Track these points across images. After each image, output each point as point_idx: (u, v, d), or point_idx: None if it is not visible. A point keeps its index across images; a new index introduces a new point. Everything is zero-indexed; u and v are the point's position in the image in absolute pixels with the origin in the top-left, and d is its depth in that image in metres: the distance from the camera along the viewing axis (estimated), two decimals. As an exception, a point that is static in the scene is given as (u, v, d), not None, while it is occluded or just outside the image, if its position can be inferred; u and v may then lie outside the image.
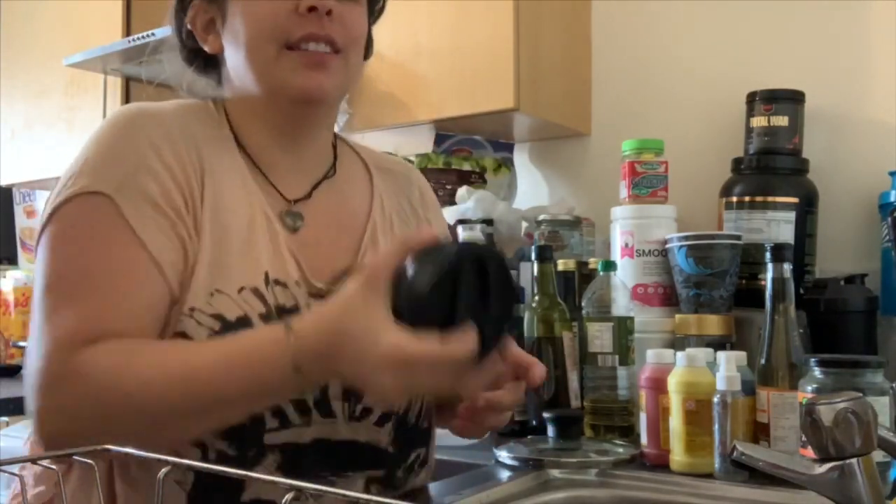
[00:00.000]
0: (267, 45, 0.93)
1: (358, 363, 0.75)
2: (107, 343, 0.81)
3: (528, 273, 1.64)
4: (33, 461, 0.62)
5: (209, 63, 1.03)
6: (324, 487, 0.51)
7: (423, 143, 2.00)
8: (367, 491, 0.94)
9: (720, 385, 1.17)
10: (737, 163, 1.63)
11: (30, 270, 3.10)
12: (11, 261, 3.25)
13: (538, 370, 0.88)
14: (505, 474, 1.21)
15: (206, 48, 1.00)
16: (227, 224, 0.92)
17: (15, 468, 0.56)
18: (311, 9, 0.91)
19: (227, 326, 0.88)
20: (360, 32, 0.99)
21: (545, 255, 1.50)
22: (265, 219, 0.95)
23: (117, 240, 0.86)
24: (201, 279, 0.89)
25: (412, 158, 2.01)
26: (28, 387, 0.83)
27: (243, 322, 0.89)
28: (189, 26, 1.01)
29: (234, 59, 0.97)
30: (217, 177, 0.93)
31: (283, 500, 0.50)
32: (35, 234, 0.91)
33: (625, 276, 1.53)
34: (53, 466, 0.59)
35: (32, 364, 0.82)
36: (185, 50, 1.04)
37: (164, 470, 0.57)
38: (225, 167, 0.95)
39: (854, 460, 0.66)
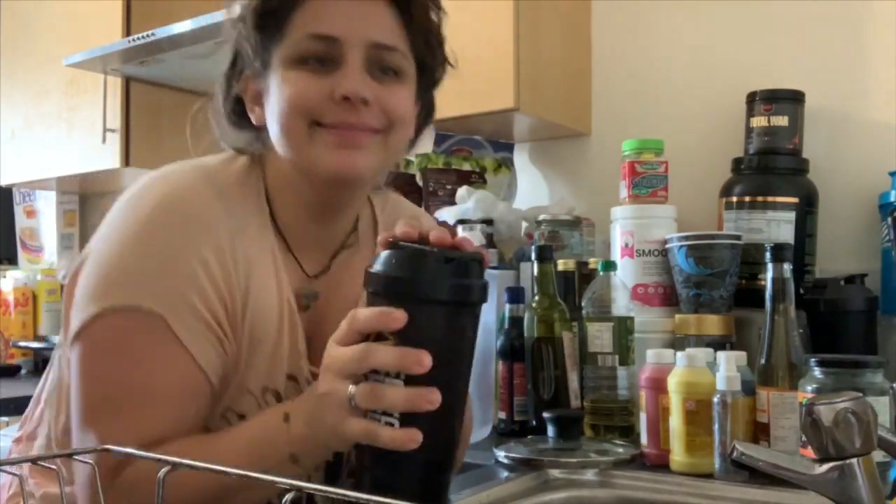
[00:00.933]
0: (299, 121, 0.90)
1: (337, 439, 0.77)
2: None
3: (528, 273, 1.65)
4: (33, 461, 0.62)
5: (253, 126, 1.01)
6: (324, 487, 0.51)
7: (423, 142, 2.00)
8: None
9: (720, 385, 1.17)
10: (737, 163, 1.63)
11: (29, 270, 3.10)
12: (11, 261, 3.25)
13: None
14: (505, 474, 1.21)
15: (252, 119, 0.98)
16: (263, 328, 0.93)
17: (15, 468, 0.56)
18: (345, 98, 0.88)
19: None
20: (404, 112, 0.93)
21: (545, 255, 1.50)
22: (289, 309, 0.95)
23: (174, 358, 0.86)
24: (236, 381, 0.92)
25: (412, 158, 2.01)
26: (80, 486, 0.84)
27: None
28: (240, 94, 0.98)
29: (272, 133, 0.94)
30: (255, 271, 0.92)
31: (284, 500, 0.50)
32: (66, 313, 0.90)
33: (625, 276, 1.53)
34: (53, 466, 0.59)
35: (85, 468, 0.82)
36: (233, 114, 1.00)
37: (164, 470, 0.57)
38: (260, 251, 0.94)
39: (854, 460, 0.66)
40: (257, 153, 0.99)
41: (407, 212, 1.14)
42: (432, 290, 0.72)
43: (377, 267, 0.74)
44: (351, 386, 0.73)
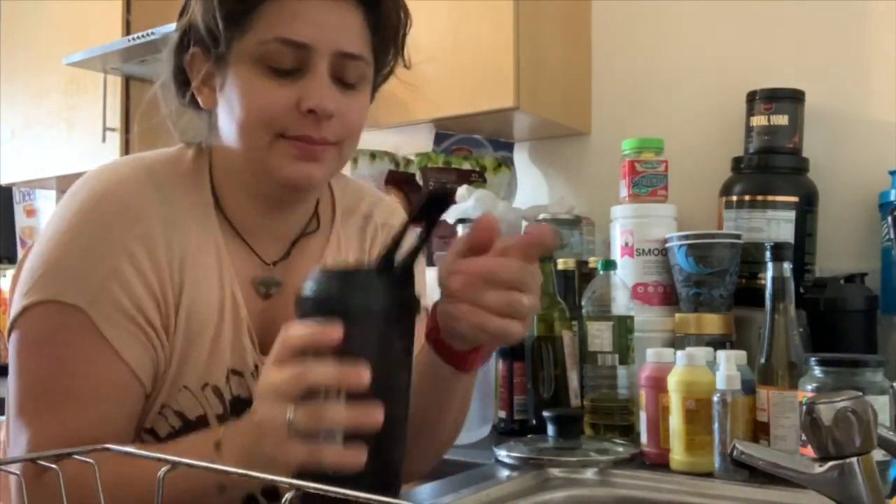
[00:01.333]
0: (261, 131, 0.88)
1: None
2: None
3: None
4: (33, 460, 0.61)
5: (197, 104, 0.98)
6: (324, 486, 0.51)
7: (423, 142, 2.01)
8: None
9: (720, 384, 1.17)
10: (737, 162, 1.63)
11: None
12: (11, 260, 3.25)
13: (541, 231, 0.83)
14: (505, 473, 1.21)
15: (199, 98, 0.95)
16: (200, 322, 0.91)
17: (15, 468, 0.56)
18: (311, 111, 0.87)
19: (188, 425, 0.90)
20: (360, 124, 0.94)
21: (545, 255, 1.50)
22: (233, 303, 0.93)
23: (96, 353, 0.85)
24: (171, 377, 0.90)
25: (412, 157, 2.01)
26: (13, 487, 0.84)
27: (202, 421, 0.91)
28: (186, 68, 0.96)
29: (226, 128, 0.93)
30: (192, 263, 0.91)
31: (284, 500, 0.50)
32: (27, 246, 0.91)
33: (625, 275, 1.53)
34: (53, 466, 0.59)
35: (13, 468, 0.79)
36: (178, 84, 0.99)
37: (163, 469, 0.57)
38: (201, 243, 0.92)
39: (854, 459, 0.66)
40: (204, 144, 0.98)
41: (368, 197, 1.12)
42: (363, 302, 0.70)
43: (305, 293, 0.72)
44: (289, 409, 0.68)
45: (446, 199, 0.74)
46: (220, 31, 0.89)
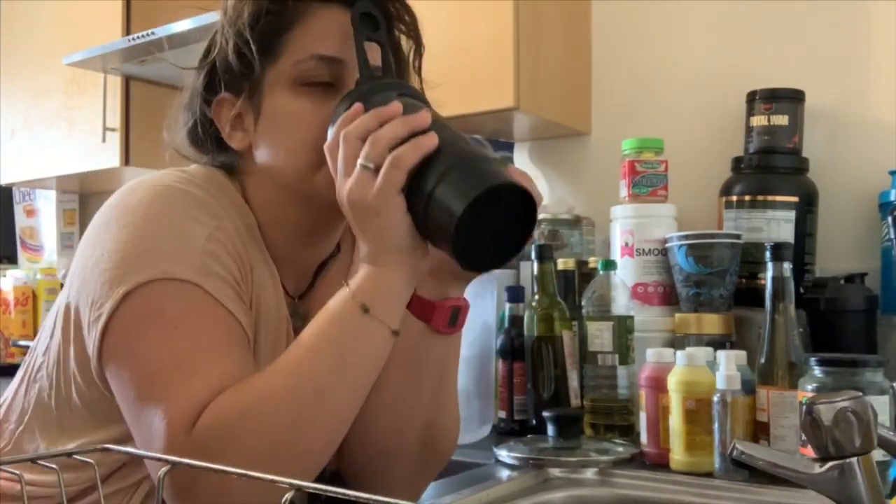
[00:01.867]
0: (309, 151, 0.89)
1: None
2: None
3: (528, 272, 1.65)
4: (33, 460, 0.61)
5: (219, 148, 0.98)
6: (323, 486, 0.52)
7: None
8: None
9: (720, 384, 1.17)
10: (737, 162, 1.63)
11: (29, 269, 3.10)
12: (11, 260, 3.26)
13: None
14: (505, 473, 1.21)
15: (231, 144, 0.95)
16: (261, 324, 0.92)
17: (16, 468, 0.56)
18: None
19: None
20: None
21: (545, 255, 1.51)
22: (287, 321, 0.95)
23: (213, 318, 0.85)
24: None
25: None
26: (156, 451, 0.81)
27: None
28: (212, 116, 0.95)
29: (268, 157, 0.93)
30: (257, 271, 0.92)
31: (284, 500, 0.50)
32: (95, 306, 0.87)
33: (625, 275, 1.53)
34: (54, 465, 0.59)
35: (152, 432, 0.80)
36: (199, 136, 0.98)
37: (163, 469, 0.57)
38: (258, 254, 0.93)
39: (854, 459, 0.66)
40: (230, 168, 0.97)
41: None
42: None
43: None
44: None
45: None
46: (255, 58, 0.89)
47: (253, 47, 0.89)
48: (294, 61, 0.90)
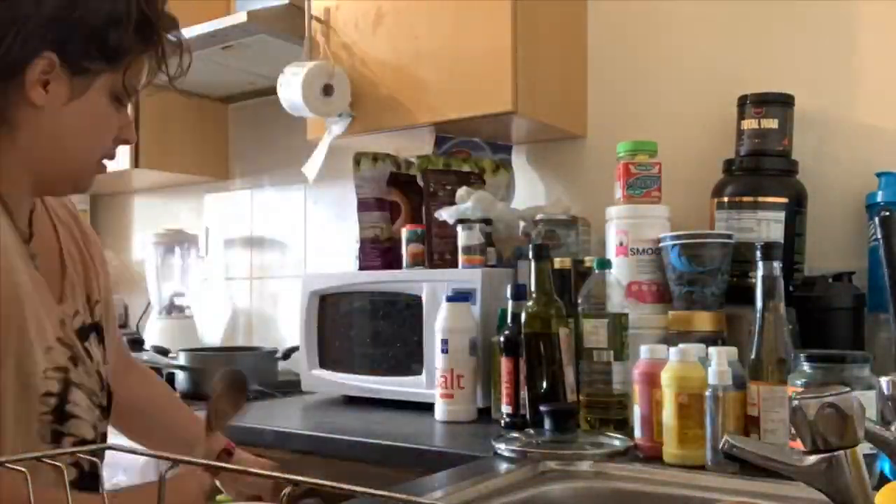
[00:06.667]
0: (98, 153, 1.02)
1: None
2: None
3: (525, 271, 1.66)
4: (37, 459, 0.60)
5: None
6: (320, 481, 0.51)
7: (423, 145, 2.02)
8: None
9: (712, 379, 1.19)
10: (728, 164, 1.65)
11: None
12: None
13: None
14: (502, 466, 1.23)
15: (30, 94, 0.93)
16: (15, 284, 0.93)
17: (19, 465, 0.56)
18: (126, 141, 1.04)
19: None
20: None
21: (542, 254, 1.51)
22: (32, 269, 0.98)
23: None
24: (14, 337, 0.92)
25: (413, 160, 2.02)
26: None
27: None
28: (22, 56, 0.92)
29: (54, 132, 0.96)
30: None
31: (282, 495, 0.51)
32: None
33: (619, 273, 1.54)
34: (59, 464, 0.58)
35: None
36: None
37: (164, 467, 0.58)
38: None
39: (841, 452, 0.66)
40: None
41: None
42: None
43: None
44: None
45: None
46: (134, 46, 0.97)
47: (126, 41, 0.96)
48: (135, 80, 0.99)
